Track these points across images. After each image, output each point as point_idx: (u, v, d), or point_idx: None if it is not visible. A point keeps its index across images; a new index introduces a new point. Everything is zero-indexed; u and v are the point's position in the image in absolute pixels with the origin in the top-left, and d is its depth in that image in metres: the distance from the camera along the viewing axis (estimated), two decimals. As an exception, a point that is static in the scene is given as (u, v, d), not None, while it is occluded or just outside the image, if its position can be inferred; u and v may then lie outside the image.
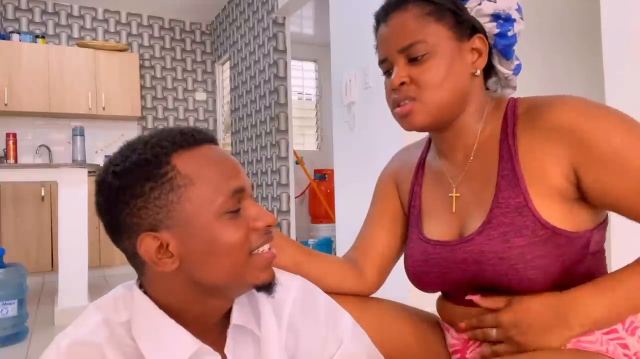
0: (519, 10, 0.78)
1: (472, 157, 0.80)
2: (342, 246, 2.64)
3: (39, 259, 4.00)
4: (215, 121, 5.50)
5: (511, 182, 0.73)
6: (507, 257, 0.71)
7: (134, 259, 0.62)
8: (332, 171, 4.01)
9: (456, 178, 0.82)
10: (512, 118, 0.76)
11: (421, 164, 0.92)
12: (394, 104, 0.79)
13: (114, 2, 4.89)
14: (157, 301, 0.63)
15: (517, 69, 0.82)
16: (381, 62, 0.81)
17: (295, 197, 4.12)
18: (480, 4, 0.75)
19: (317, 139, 6.04)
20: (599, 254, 0.76)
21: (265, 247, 0.64)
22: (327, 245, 4.04)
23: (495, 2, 0.75)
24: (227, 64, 5.12)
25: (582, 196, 0.71)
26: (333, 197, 2.98)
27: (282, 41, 3.96)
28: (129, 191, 0.58)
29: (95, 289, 3.27)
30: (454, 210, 0.82)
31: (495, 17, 0.76)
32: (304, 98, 6.01)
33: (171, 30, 5.34)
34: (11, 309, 2.34)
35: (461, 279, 0.78)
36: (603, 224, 0.76)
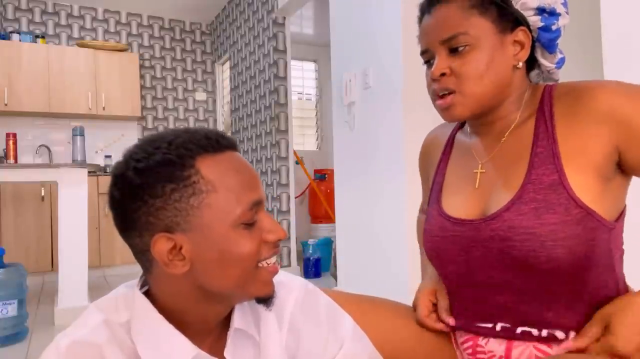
0: (564, 4, 0.79)
1: (504, 138, 0.81)
2: (343, 246, 2.64)
3: (39, 259, 4.00)
4: (215, 121, 5.50)
5: (546, 160, 0.74)
6: (538, 233, 0.71)
7: (142, 256, 0.62)
8: (332, 171, 4.01)
9: (484, 156, 0.84)
10: (549, 100, 0.78)
11: (450, 142, 0.93)
12: (435, 95, 0.81)
13: (114, 2, 4.89)
14: (159, 301, 0.63)
15: (559, 63, 0.83)
16: (422, 53, 0.82)
17: (295, 197, 4.12)
18: None
19: (317, 139, 6.04)
20: (617, 250, 0.77)
21: (272, 260, 0.64)
22: (327, 245, 4.03)
23: None
24: (227, 64, 5.13)
25: (625, 171, 0.74)
26: (333, 197, 2.97)
27: (282, 41, 3.96)
28: (149, 190, 0.57)
29: (95, 289, 3.27)
30: (477, 186, 0.82)
31: (540, 10, 0.77)
32: (304, 98, 6.01)
33: (171, 30, 5.34)
34: (11, 309, 2.34)
35: (484, 258, 0.78)
36: (621, 216, 0.77)
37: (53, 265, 4.02)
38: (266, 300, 0.64)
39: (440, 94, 0.79)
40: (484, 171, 0.83)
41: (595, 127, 0.72)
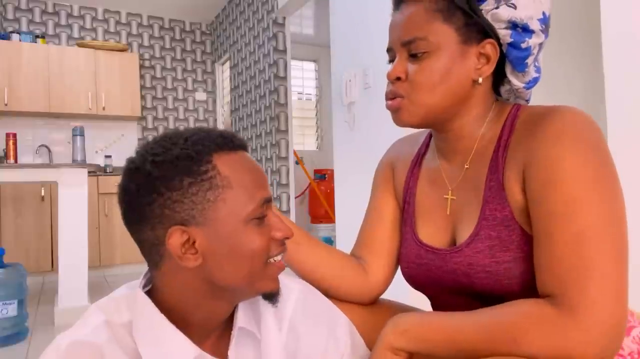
0: (543, 20, 0.72)
1: (468, 164, 0.78)
2: (342, 246, 2.64)
3: (39, 259, 4.00)
4: (215, 120, 5.50)
5: (498, 194, 0.71)
6: (494, 271, 0.69)
7: (152, 251, 0.62)
8: (332, 171, 4.01)
9: (453, 181, 0.80)
10: (510, 128, 0.73)
11: (418, 162, 0.89)
12: (386, 97, 0.78)
13: (114, 2, 4.90)
14: (163, 299, 0.63)
15: (531, 83, 0.77)
16: (387, 50, 0.79)
17: (295, 197, 4.12)
18: (497, 8, 0.70)
19: (317, 139, 6.04)
20: None
21: (279, 257, 0.66)
22: (327, 245, 4.03)
23: (515, 8, 0.70)
24: (227, 64, 5.13)
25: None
26: (333, 197, 2.98)
27: (282, 41, 3.96)
28: (167, 183, 0.58)
29: (95, 289, 3.28)
30: (448, 212, 0.80)
31: (512, 25, 0.71)
32: (304, 98, 6.01)
33: (171, 30, 5.34)
34: (11, 309, 2.34)
35: (455, 287, 0.77)
36: None
37: (53, 265, 4.02)
38: (272, 296, 0.65)
39: (391, 96, 0.76)
40: (454, 197, 0.79)
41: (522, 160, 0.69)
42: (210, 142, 0.61)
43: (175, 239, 0.58)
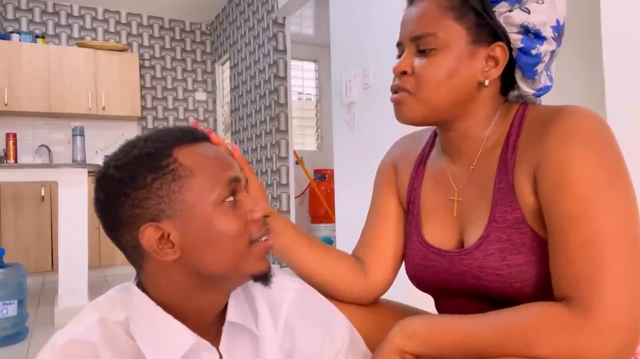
0: (556, 28, 0.70)
1: (474, 165, 0.77)
2: (342, 246, 2.64)
3: (39, 259, 4.00)
4: (215, 120, 5.50)
5: (508, 196, 0.70)
6: (506, 274, 0.69)
7: (134, 254, 0.63)
8: (332, 171, 4.01)
9: (459, 182, 0.79)
10: (517, 128, 0.72)
11: (422, 161, 0.88)
12: (392, 90, 0.77)
13: (114, 2, 4.90)
14: (155, 298, 0.63)
15: (542, 90, 0.75)
16: (397, 45, 0.78)
17: (295, 198, 4.12)
18: (510, 11, 0.69)
19: (317, 139, 6.04)
20: None
21: (263, 238, 0.65)
22: (327, 245, 4.03)
23: (528, 12, 0.69)
24: (227, 64, 5.13)
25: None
26: (333, 197, 2.98)
27: (282, 41, 3.96)
28: (131, 183, 0.59)
29: (95, 289, 3.27)
30: (455, 214, 0.79)
31: (524, 29, 0.70)
32: (304, 98, 6.01)
33: (171, 30, 5.34)
34: (11, 309, 2.34)
35: (462, 289, 0.76)
36: None
37: (53, 265, 4.02)
38: (263, 277, 0.65)
39: (397, 90, 0.75)
40: (460, 199, 0.78)
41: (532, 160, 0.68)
42: (169, 137, 0.62)
43: (149, 235, 0.59)
